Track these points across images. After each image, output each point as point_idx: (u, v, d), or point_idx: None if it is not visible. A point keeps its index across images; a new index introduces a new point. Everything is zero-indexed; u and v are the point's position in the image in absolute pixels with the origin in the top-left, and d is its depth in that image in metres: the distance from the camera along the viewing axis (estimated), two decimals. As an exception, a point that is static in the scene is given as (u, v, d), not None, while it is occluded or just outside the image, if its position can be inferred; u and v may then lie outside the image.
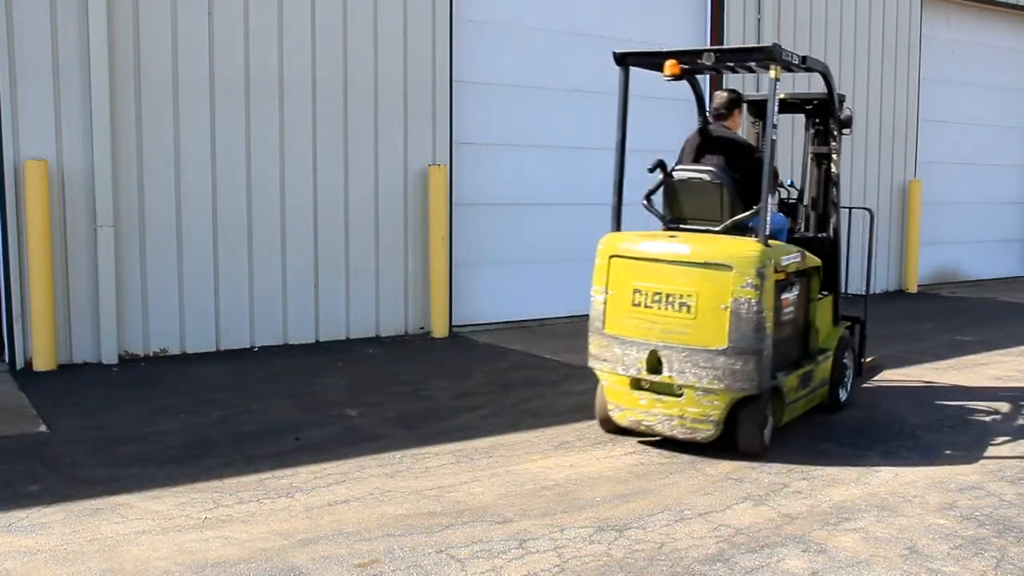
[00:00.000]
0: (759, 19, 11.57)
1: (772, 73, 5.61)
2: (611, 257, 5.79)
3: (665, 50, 6.02)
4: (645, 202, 6.16)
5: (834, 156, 6.73)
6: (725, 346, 5.33)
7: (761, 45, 6.29)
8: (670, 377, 5.50)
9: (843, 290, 6.96)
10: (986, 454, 5.55)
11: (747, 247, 5.51)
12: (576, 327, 9.85)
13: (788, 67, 5.84)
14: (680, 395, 5.51)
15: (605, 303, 5.78)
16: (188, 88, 8.07)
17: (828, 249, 6.67)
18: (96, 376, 7.40)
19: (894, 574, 3.87)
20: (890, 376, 7.51)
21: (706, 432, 5.48)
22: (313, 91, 8.64)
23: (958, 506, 4.66)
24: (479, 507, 4.59)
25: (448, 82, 9.35)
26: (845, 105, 6.73)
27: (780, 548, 4.12)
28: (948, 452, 5.57)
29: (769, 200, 5.64)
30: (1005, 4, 14.50)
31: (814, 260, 6.18)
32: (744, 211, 5.83)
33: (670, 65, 5.83)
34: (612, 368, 5.74)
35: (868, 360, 7.64)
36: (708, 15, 11.32)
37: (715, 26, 11.32)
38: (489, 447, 5.60)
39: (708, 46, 11.24)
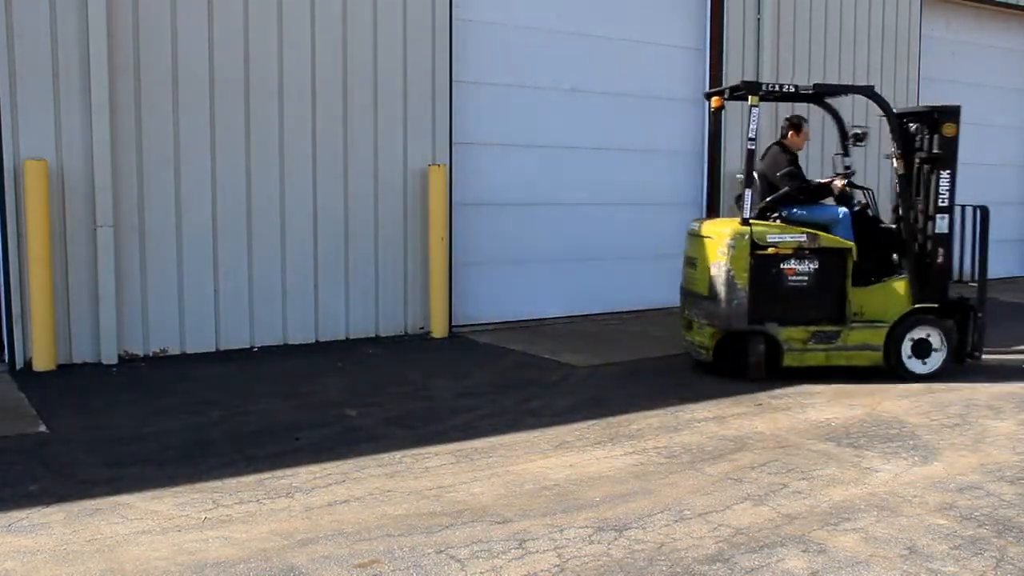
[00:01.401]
0: (759, 19, 11.56)
1: (750, 101, 7.15)
2: (687, 234, 7.97)
3: (713, 89, 8.10)
4: (735, 199, 8.06)
5: (894, 161, 7.62)
6: (707, 294, 7.36)
7: (738, 83, 7.63)
8: (687, 313, 7.74)
9: (958, 278, 7.97)
10: (986, 454, 5.55)
11: (726, 225, 7.37)
12: (576, 327, 9.86)
13: (775, 98, 7.27)
14: (692, 327, 7.63)
15: (684, 265, 7.98)
16: (188, 89, 8.07)
17: (896, 238, 7.69)
18: (96, 376, 7.40)
19: (894, 574, 3.87)
20: (889, 376, 7.51)
21: (705, 356, 7.51)
22: (313, 91, 8.65)
23: (958, 506, 4.66)
24: (479, 507, 4.59)
25: (448, 82, 9.35)
26: (940, 119, 7.47)
27: (780, 548, 4.12)
28: (948, 452, 5.57)
29: (747, 195, 7.23)
30: (1004, 4, 14.50)
31: (838, 242, 7.34)
32: None
33: (714, 100, 7.69)
34: (680, 309, 8.01)
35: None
36: (708, 15, 11.31)
37: (715, 27, 11.30)
38: (489, 447, 5.60)
39: (710, 51, 11.34)
